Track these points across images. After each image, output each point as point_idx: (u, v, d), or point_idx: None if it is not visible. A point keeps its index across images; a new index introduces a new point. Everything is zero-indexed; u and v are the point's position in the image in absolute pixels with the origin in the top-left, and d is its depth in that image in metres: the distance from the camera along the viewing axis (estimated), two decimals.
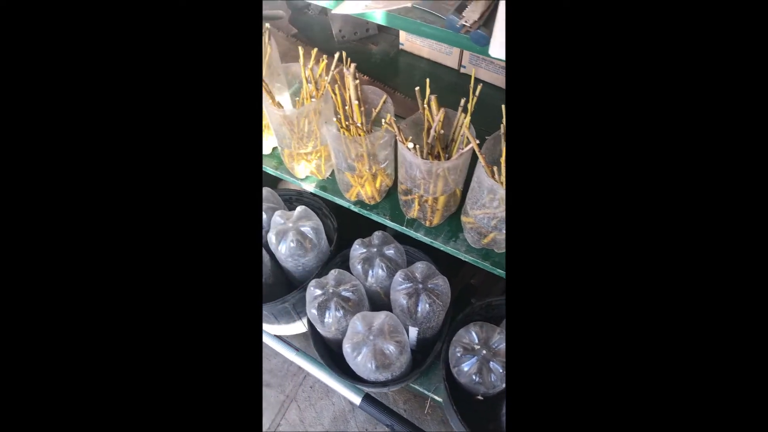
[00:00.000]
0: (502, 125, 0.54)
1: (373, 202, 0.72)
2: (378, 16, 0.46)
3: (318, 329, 0.71)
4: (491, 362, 0.59)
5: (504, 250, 0.67)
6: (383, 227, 0.74)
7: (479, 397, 0.65)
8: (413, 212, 0.68)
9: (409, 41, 0.92)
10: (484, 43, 0.41)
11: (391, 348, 0.61)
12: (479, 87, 0.54)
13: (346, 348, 0.62)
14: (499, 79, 0.86)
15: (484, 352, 0.59)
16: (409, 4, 0.40)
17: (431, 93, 0.54)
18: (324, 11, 1.01)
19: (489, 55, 0.42)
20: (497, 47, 0.40)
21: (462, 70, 0.90)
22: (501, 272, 0.66)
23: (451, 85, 0.89)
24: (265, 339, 1.01)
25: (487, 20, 0.42)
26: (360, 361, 0.61)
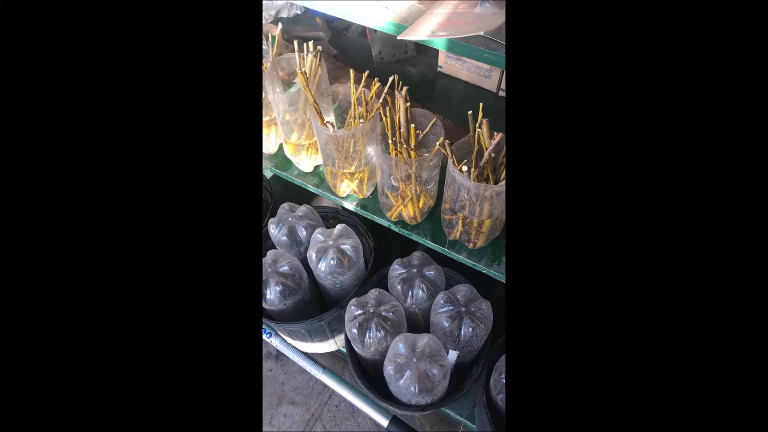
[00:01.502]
0: None
1: (414, 222, 0.72)
2: (439, 42, 0.47)
3: (356, 349, 0.71)
4: None
5: None
6: (417, 247, 0.74)
7: None
8: (456, 233, 0.68)
9: (447, 64, 0.94)
10: None
11: (435, 371, 0.61)
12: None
13: (389, 370, 0.62)
14: None
15: None
16: (481, 33, 0.40)
17: (487, 118, 0.54)
18: (363, 33, 1.04)
19: None
20: None
21: (500, 93, 0.90)
22: None
23: (489, 108, 0.89)
24: (292, 356, 1.01)
25: None
26: (402, 384, 0.60)
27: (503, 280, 0.68)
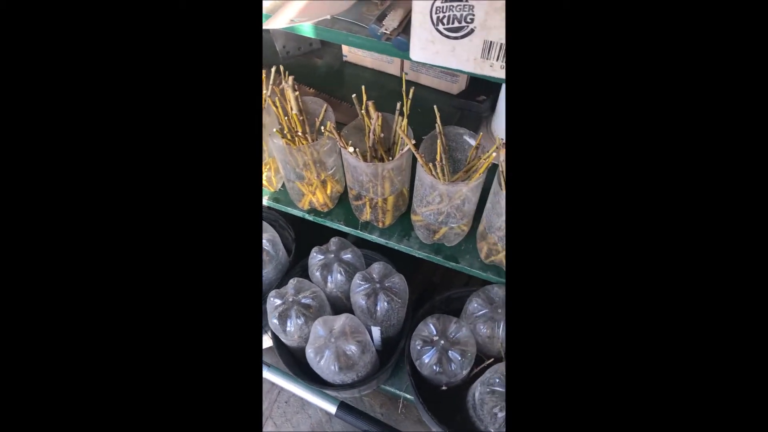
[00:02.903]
0: (437, 125, 0.57)
1: (326, 209, 0.73)
2: (307, 30, 0.48)
3: (282, 339, 0.72)
4: (450, 351, 0.61)
5: (454, 244, 0.70)
6: (343, 234, 0.76)
7: (444, 388, 0.67)
8: (365, 215, 0.71)
9: (352, 53, 0.95)
10: (405, 48, 0.44)
11: (352, 348, 0.63)
12: (412, 90, 0.57)
13: (309, 353, 0.63)
14: (441, 84, 0.90)
15: (443, 342, 0.62)
16: (328, 17, 0.42)
17: (373, 100, 0.57)
18: (267, 29, 1.03)
19: (412, 59, 0.45)
20: (417, 51, 0.44)
21: (405, 77, 0.93)
22: (453, 265, 0.69)
23: (394, 92, 0.92)
24: None
25: (406, 27, 0.45)
26: (323, 364, 0.62)
27: (415, 254, 0.71)
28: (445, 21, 0.39)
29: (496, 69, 0.42)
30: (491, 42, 0.39)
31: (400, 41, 0.44)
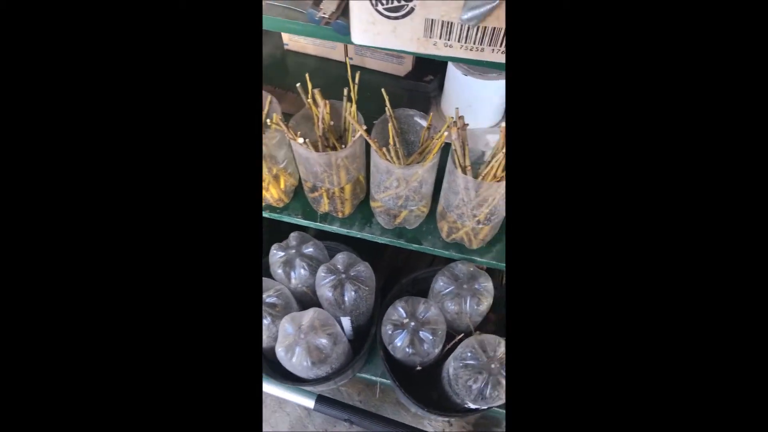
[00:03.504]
0: (386, 108, 0.57)
1: (281, 204, 0.71)
2: None
3: None
4: (421, 332, 0.62)
5: (415, 226, 0.70)
6: (303, 228, 0.74)
7: (418, 368, 0.68)
8: (324, 206, 0.69)
9: (293, 40, 0.92)
10: (346, 32, 0.42)
11: (323, 341, 0.62)
12: (358, 74, 0.56)
13: (280, 352, 0.62)
14: (388, 66, 0.89)
15: (413, 324, 0.62)
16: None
17: (319, 87, 0.55)
18: None
19: (353, 43, 0.43)
20: (358, 34, 0.42)
21: (350, 62, 0.91)
22: (417, 246, 0.69)
23: (341, 78, 0.90)
24: None
25: (345, 9, 0.43)
26: (296, 361, 0.61)
27: (378, 241, 0.71)
28: (384, 1, 0.38)
29: (440, 48, 0.42)
30: (432, 20, 0.39)
31: (339, 25, 0.42)
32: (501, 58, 0.41)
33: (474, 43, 0.40)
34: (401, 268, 1.03)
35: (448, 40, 0.40)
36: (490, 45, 0.40)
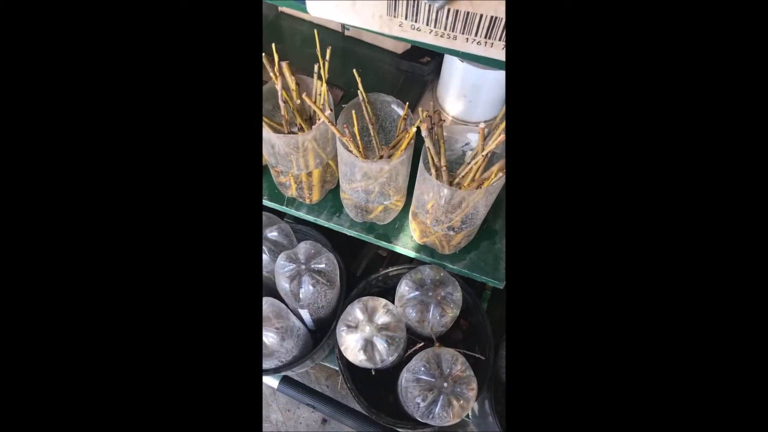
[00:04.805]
0: (359, 92, 0.50)
1: None
2: None
3: None
4: (375, 337, 0.58)
5: (386, 222, 0.65)
6: (273, 211, 0.69)
7: (372, 372, 0.65)
8: (291, 191, 0.64)
9: None
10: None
11: (270, 337, 0.58)
12: (328, 51, 0.50)
13: None
14: (385, 41, 0.81)
15: (368, 328, 0.58)
16: None
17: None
18: None
19: (308, 12, 0.37)
20: (313, 4, 0.36)
21: (347, 33, 0.84)
22: (385, 244, 0.64)
23: (338, 49, 0.83)
24: None
25: None
26: None
27: (346, 232, 0.66)
28: None
29: (406, 30, 0.35)
30: None
31: None
32: (476, 49, 0.34)
33: (444, 29, 0.33)
34: (383, 258, 0.98)
35: (415, 21, 0.34)
36: (463, 33, 0.33)
